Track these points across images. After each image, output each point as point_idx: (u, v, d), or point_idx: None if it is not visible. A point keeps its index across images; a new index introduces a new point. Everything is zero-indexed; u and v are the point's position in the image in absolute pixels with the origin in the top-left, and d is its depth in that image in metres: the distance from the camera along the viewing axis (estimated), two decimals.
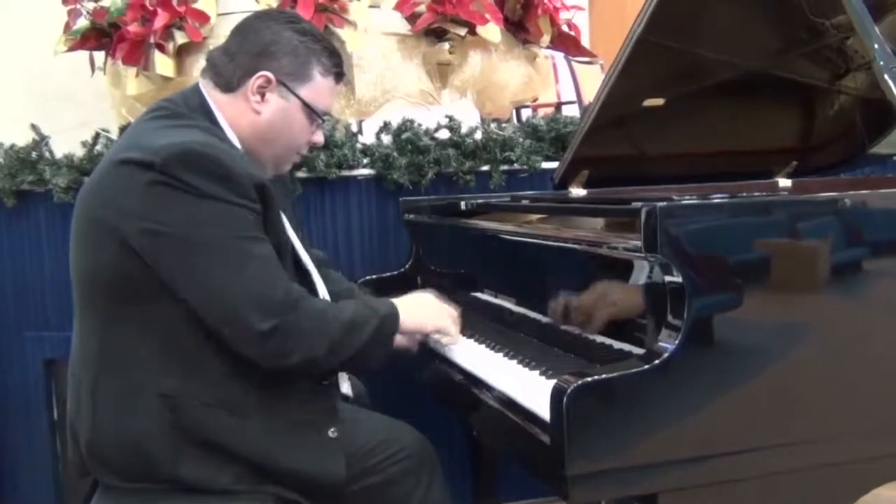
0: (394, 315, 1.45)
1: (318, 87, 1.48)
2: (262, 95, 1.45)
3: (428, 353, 1.66)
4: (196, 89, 1.48)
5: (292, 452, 1.38)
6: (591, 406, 1.14)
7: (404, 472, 1.56)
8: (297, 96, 1.47)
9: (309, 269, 1.53)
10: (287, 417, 1.39)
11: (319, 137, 1.55)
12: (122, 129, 2.38)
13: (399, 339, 1.49)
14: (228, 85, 1.46)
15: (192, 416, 1.34)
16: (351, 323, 1.38)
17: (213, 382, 1.35)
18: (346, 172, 2.32)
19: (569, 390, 1.12)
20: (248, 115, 1.46)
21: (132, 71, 2.50)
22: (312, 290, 1.51)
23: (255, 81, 1.45)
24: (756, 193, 1.37)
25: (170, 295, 1.32)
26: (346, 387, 1.63)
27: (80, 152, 2.37)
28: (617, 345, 1.36)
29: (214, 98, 1.46)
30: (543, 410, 1.18)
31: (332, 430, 1.42)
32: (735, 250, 1.23)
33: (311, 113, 1.49)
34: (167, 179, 1.29)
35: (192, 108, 1.44)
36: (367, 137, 2.43)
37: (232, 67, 1.46)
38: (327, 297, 1.56)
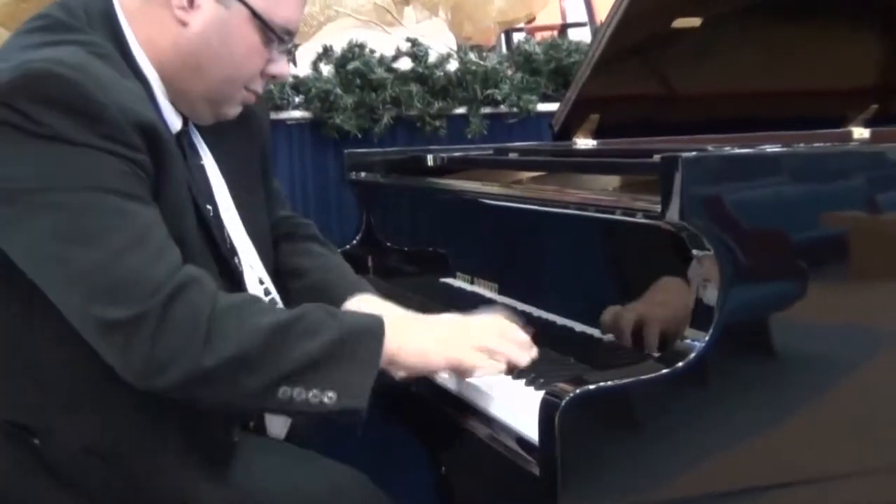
0: (372, 331, 1.31)
1: None
2: (191, 0, 1.37)
3: None
4: None
5: None
6: (592, 423, 1.13)
7: None
8: (243, 1, 1.38)
9: (226, 258, 1.47)
10: (165, 478, 1.36)
11: (281, 67, 1.46)
12: None
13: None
14: None
15: (49, 457, 1.32)
16: (279, 327, 1.26)
17: (75, 418, 1.33)
18: (271, 115, 2.28)
19: (562, 403, 1.11)
20: (170, 29, 1.37)
21: None
22: (236, 284, 1.46)
23: None
24: (822, 144, 1.38)
25: (22, 290, 1.29)
26: (278, 427, 1.58)
27: None
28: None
29: (125, 5, 1.39)
30: (531, 431, 1.18)
31: None
32: (789, 219, 1.23)
33: (265, 28, 1.40)
34: (11, 116, 1.24)
35: (91, 19, 1.37)
36: (301, 68, 2.40)
37: None
38: (269, 296, 1.52)
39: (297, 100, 2.33)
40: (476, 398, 1.38)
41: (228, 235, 1.51)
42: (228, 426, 1.44)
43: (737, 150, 1.25)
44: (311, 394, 1.27)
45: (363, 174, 2.18)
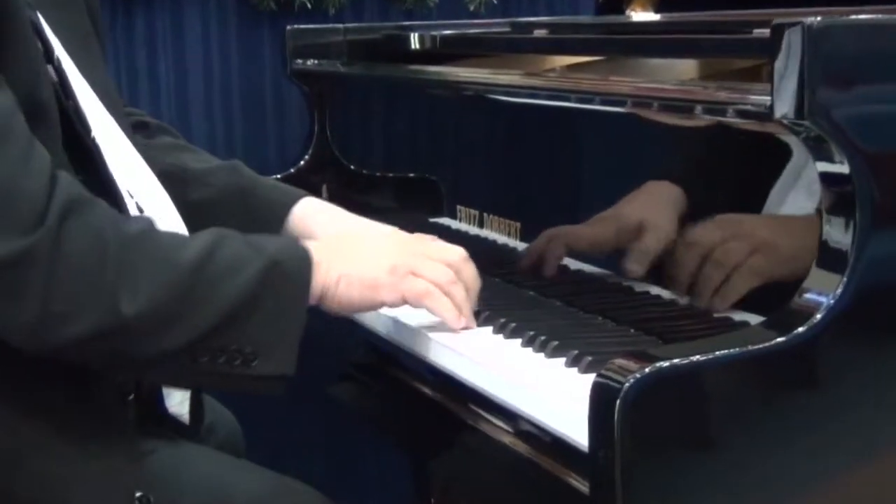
0: (299, 266, 1.44)
1: None
2: None
3: (349, 329, 1.67)
4: None
5: None
6: (666, 417, 1.14)
7: None
8: None
9: (82, 138, 1.50)
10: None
11: None
12: None
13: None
14: None
15: None
16: (200, 263, 1.37)
17: None
18: None
19: (624, 388, 1.11)
20: None
21: None
22: (112, 197, 1.49)
23: None
24: None
25: None
26: (177, 401, 1.65)
27: None
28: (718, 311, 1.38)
29: None
30: (576, 430, 1.19)
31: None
32: None
33: None
34: None
35: None
36: None
37: None
38: (165, 214, 1.57)
39: None
40: (485, 381, 1.42)
41: (81, 108, 1.55)
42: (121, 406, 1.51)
43: (886, 17, 1.22)
44: (232, 355, 1.38)
45: (314, 62, 2.18)
